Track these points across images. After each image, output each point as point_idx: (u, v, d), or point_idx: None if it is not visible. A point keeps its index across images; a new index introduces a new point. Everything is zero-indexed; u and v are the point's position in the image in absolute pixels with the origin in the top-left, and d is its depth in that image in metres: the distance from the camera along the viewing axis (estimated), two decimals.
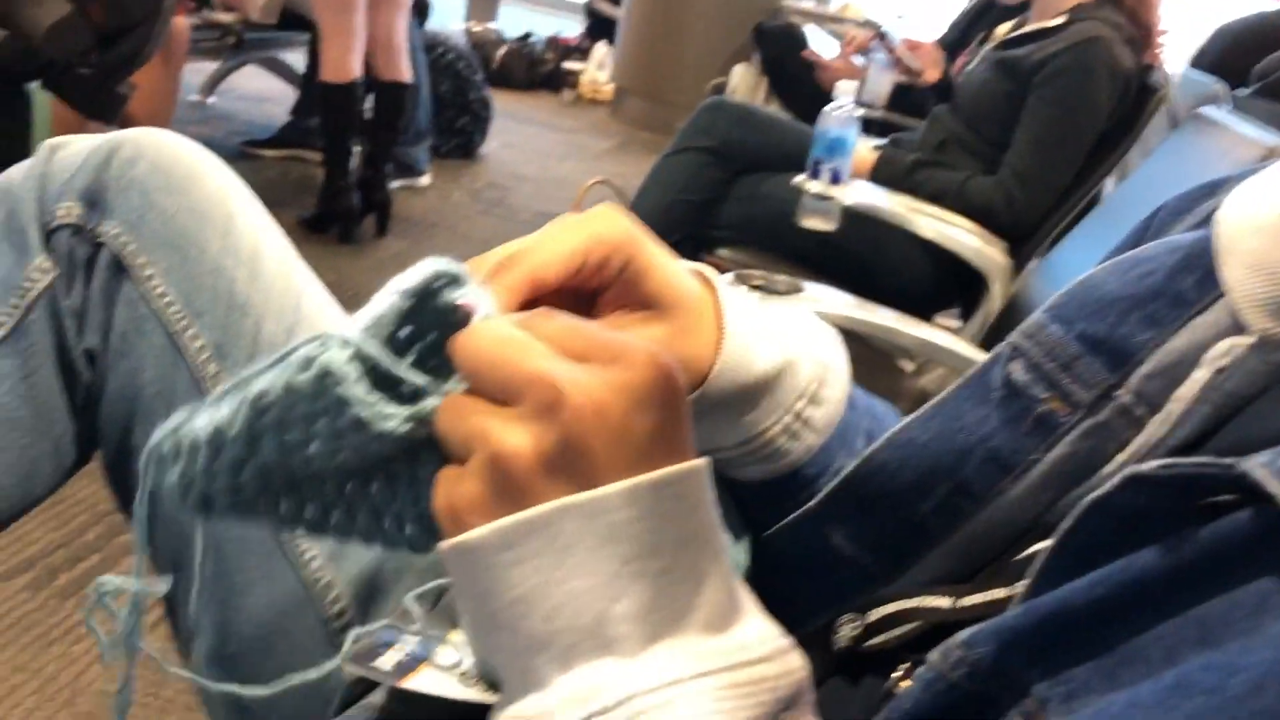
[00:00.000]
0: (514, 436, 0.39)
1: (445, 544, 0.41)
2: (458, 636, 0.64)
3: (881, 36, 3.01)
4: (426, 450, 0.46)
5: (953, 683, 0.42)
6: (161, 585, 0.56)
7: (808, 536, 0.58)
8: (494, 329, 0.42)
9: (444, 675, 0.63)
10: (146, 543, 0.50)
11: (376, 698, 0.68)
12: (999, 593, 0.50)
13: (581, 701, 0.38)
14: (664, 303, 0.51)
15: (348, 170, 3.15)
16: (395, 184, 3.54)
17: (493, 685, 0.62)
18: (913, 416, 0.57)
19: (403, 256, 3.25)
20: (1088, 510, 0.42)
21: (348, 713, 0.69)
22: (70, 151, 0.77)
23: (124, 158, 0.76)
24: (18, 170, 0.76)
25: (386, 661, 0.64)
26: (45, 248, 0.73)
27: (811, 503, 0.58)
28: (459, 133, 4.27)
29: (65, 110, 2.14)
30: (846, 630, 0.56)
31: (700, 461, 0.40)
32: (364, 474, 0.46)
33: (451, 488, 0.41)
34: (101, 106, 2.15)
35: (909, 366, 2.18)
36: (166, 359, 0.74)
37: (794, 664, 0.41)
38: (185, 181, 0.77)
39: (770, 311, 0.58)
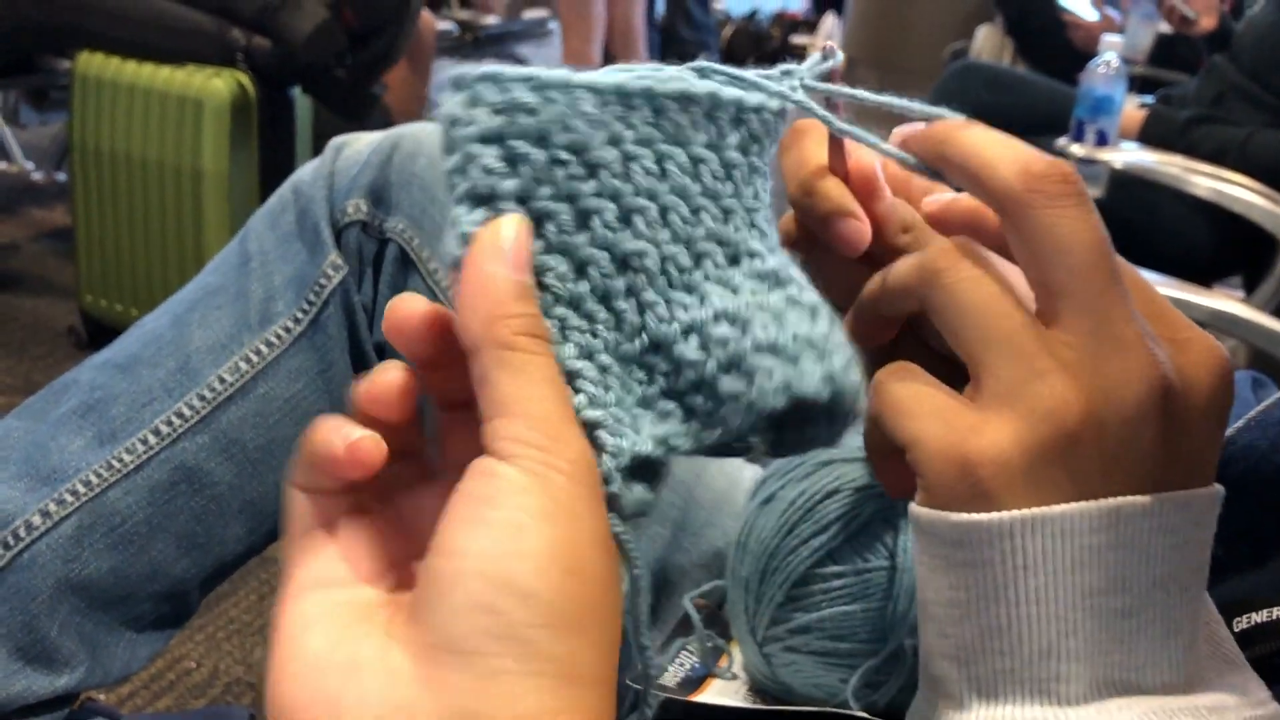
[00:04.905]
0: (1070, 399, 0.32)
1: (912, 508, 0.35)
2: (736, 649, 0.62)
3: None
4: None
5: None
6: None
7: None
8: (1083, 205, 0.34)
9: (729, 687, 0.61)
10: None
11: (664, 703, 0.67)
12: None
13: None
14: None
15: None
16: None
17: (775, 697, 0.59)
18: None
19: None
20: None
21: (640, 712, 0.67)
22: (354, 149, 0.78)
23: (405, 153, 0.76)
24: (307, 169, 0.78)
25: (672, 677, 0.62)
26: (337, 245, 0.74)
27: None
28: None
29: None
30: None
31: (1210, 490, 0.34)
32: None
33: (967, 432, 0.33)
34: (356, 107, 2.24)
35: None
36: None
37: None
38: None
39: None
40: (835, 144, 0.42)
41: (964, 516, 0.33)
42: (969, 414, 0.33)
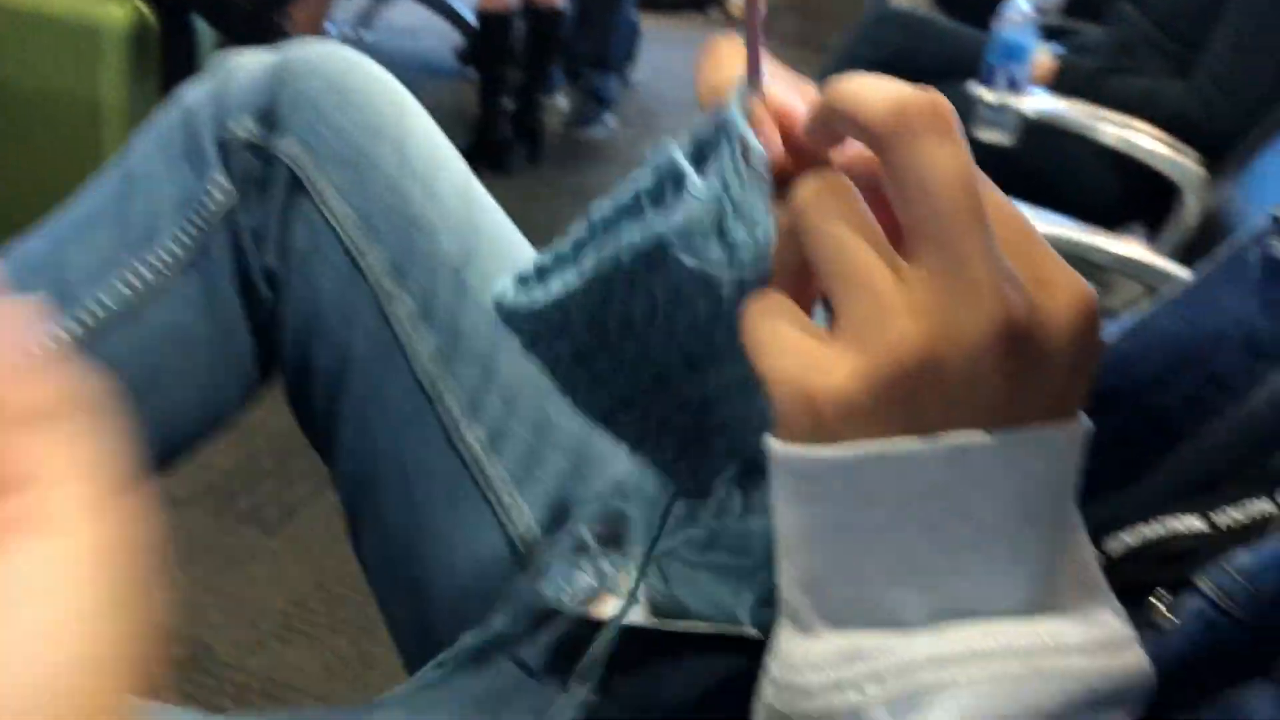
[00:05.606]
0: (912, 338, 0.32)
1: (766, 440, 0.35)
2: (634, 569, 0.62)
3: None
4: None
5: (1236, 619, 0.37)
6: None
7: None
8: (949, 142, 0.32)
9: (625, 603, 0.61)
10: None
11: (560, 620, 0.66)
12: (1263, 506, 0.44)
13: (851, 659, 0.33)
14: None
15: (501, 100, 3.16)
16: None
17: (675, 616, 0.59)
18: (1156, 306, 0.52)
19: (556, 184, 3.25)
20: None
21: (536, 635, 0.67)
22: (244, 69, 0.75)
23: (295, 73, 0.74)
24: (194, 89, 0.75)
25: (571, 597, 0.62)
26: (224, 166, 0.71)
27: None
28: None
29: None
30: None
31: (1070, 426, 0.34)
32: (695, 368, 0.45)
33: (814, 370, 0.33)
34: (259, 37, 2.18)
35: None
36: (345, 277, 0.72)
37: (1122, 663, 0.33)
38: (359, 96, 0.74)
39: None
40: (753, 77, 0.41)
41: (809, 450, 0.33)
42: (820, 351, 0.34)
